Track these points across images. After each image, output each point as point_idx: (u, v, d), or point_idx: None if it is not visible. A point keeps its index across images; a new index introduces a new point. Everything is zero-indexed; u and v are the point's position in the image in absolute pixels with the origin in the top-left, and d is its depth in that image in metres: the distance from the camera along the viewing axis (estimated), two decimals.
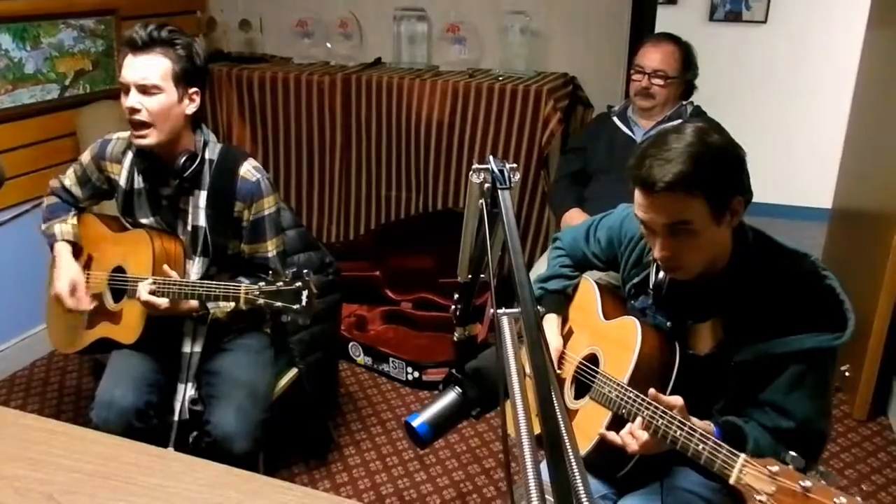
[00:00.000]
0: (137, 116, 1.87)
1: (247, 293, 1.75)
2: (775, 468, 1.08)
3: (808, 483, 1.03)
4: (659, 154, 1.33)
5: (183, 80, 1.89)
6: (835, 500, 1.00)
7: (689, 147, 1.32)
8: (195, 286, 1.88)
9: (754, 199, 1.41)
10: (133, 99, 1.85)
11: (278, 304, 1.73)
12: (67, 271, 2.06)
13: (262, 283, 1.75)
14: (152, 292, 1.86)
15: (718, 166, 1.34)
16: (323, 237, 3.41)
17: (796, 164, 4.79)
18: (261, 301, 1.73)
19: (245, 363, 2.06)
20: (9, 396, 2.99)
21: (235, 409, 1.95)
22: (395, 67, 3.32)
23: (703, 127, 1.38)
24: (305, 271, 1.73)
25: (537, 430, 0.78)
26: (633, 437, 1.35)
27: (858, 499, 0.99)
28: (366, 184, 3.29)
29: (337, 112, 3.20)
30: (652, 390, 1.33)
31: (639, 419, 1.34)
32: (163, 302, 1.85)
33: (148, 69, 1.85)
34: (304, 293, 1.71)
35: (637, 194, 1.39)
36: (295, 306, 1.72)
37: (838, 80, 4.37)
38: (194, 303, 1.91)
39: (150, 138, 1.90)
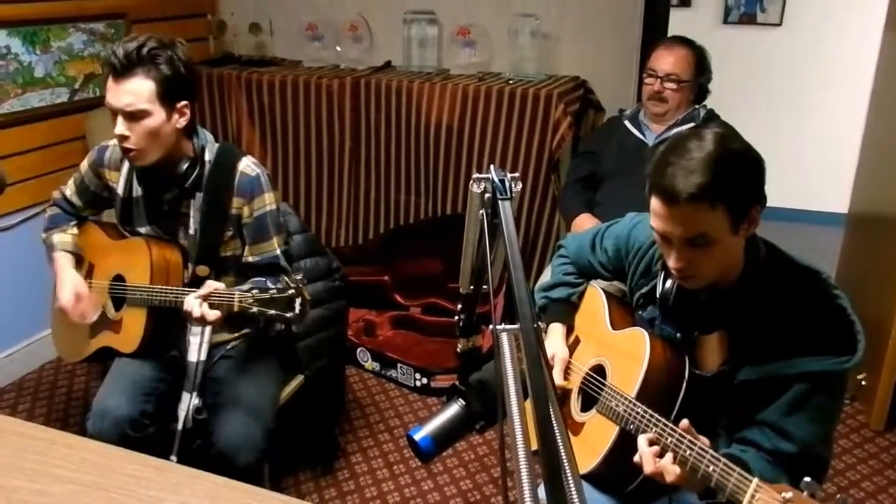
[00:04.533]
0: (126, 144, 1.82)
1: (240, 301, 1.71)
2: (789, 494, 1.03)
3: None
4: (680, 162, 1.28)
5: (169, 97, 1.81)
6: None
7: (711, 156, 1.27)
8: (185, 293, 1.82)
9: (769, 204, 1.37)
10: (120, 127, 1.79)
11: (272, 311, 1.69)
12: (70, 282, 2.02)
13: (255, 291, 1.70)
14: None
15: (741, 176, 1.29)
16: (332, 241, 3.39)
17: (811, 169, 4.72)
18: (254, 309, 1.70)
19: (250, 372, 2.04)
20: (17, 400, 2.99)
21: (239, 422, 1.92)
22: (405, 71, 3.30)
23: (723, 133, 1.33)
24: (300, 277, 1.70)
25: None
26: (665, 468, 1.28)
27: None
28: (375, 188, 3.27)
29: (346, 115, 3.19)
30: (685, 422, 1.27)
31: (669, 455, 1.27)
32: (213, 314, 1.75)
33: (132, 94, 1.77)
34: (298, 301, 1.68)
35: (656, 203, 1.33)
36: (288, 314, 1.68)
37: (854, 84, 4.30)
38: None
39: (144, 160, 1.86)
